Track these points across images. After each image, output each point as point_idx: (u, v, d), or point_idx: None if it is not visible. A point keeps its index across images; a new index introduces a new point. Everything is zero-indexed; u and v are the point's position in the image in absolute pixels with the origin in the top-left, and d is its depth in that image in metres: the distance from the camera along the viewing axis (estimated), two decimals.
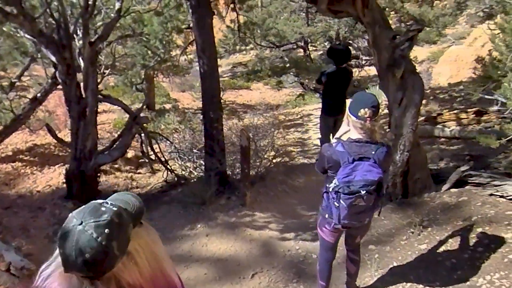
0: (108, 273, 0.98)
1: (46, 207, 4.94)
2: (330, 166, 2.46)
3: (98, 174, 5.26)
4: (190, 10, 5.37)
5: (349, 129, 2.57)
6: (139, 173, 6.97)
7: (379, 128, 2.60)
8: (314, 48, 17.48)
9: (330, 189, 2.41)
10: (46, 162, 7.52)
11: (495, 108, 6.61)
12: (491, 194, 3.95)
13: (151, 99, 10.06)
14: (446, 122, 7.08)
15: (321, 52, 17.18)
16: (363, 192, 2.29)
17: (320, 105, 12.58)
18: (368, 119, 2.33)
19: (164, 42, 6.22)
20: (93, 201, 1.05)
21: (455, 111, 7.23)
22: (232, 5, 7.42)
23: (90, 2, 4.99)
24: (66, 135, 8.31)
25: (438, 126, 6.83)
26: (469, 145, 5.84)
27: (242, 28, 8.10)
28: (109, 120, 9.66)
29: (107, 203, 1.04)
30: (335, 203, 2.42)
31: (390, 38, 3.69)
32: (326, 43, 16.20)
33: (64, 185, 5.38)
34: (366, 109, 2.31)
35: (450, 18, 15.21)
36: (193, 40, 5.68)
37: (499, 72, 2.58)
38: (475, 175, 4.18)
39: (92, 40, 5.11)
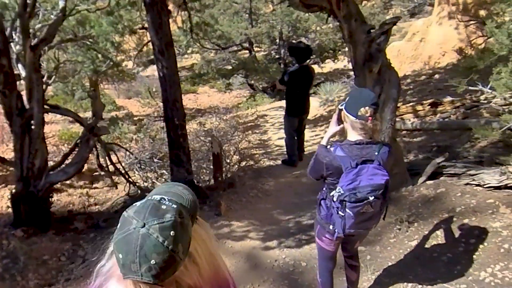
0: (170, 277, 0.90)
1: None
2: (331, 173, 2.25)
3: (50, 195, 4.67)
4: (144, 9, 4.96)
5: (339, 129, 2.39)
6: (96, 188, 6.37)
7: (380, 127, 2.46)
8: (258, 49, 17.53)
9: (334, 198, 2.20)
10: None
11: (449, 99, 6.93)
12: (467, 184, 4.00)
13: (98, 107, 9.32)
14: (403, 115, 7.26)
15: (266, 52, 17.29)
16: (371, 198, 2.11)
17: (272, 105, 12.61)
18: (370, 118, 2.16)
19: (116, 45, 5.71)
20: (149, 198, 0.94)
21: (411, 104, 7.45)
22: (183, 5, 7.04)
23: (28, 1, 4.41)
24: (4, 152, 7.45)
25: (397, 119, 6.96)
26: (431, 136, 6.00)
27: (194, 29, 7.73)
28: (52, 132, 8.82)
29: (164, 199, 0.93)
30: (340, 212, 2.22)
31: (366, 32, 3.59)
32: (268, 44, 16.36)
33: (10, 210, 4.72)
34: (367, 108, 2.14)
35: (379, 17, 16.14)
36: (148, 42, 5.26)
37: (485, 62, 2.56)
38: (449, 165, 4.24)
39: (34, 43, 4.52)
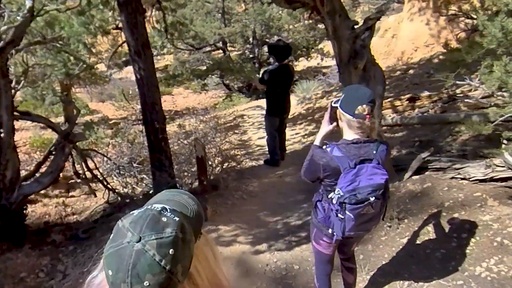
0: None
1: None
2: (328, 175, 2.16)
3: (24, 207, 4.40)
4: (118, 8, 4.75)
5: (331, 128, 2.30)
6: (72, 196, 6.07)
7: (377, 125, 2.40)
8: (232, 49, 17.46)
9: (334, 201, 2.12)
10: None
11: (426, 93, 7.03)
12: (452, 178, 4.02)
13: (70, 111, 8.98)
14: (382, 110, 7.29)
15: (240, 52, 17.25)
16: (372, 199, 2.04)
17: (249, 105, 12.54)
18: (368, 116, 2.09)
19: (88, 46, 5.45)
20: (149, 207, 0.82)
21: (389, 99, 7.51)
22: (157, 5, 6.83)
23: None
24: None
25: None
26: (412, 131, 6.05)
27: (169, 29, 7.53)
28: (23, 139, 8.39)
29: (165, 209, 0.82)
30: (339, 215, 2.13)
31: (350, 28, 3.55)
32: (242, 43, 16.33)
33: None
34: (364, 106, 2.06)
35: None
36: (123, 42, 5.04)
37: (473, 56, 2.55)
38: (434, 160, 4.26)
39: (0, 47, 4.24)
